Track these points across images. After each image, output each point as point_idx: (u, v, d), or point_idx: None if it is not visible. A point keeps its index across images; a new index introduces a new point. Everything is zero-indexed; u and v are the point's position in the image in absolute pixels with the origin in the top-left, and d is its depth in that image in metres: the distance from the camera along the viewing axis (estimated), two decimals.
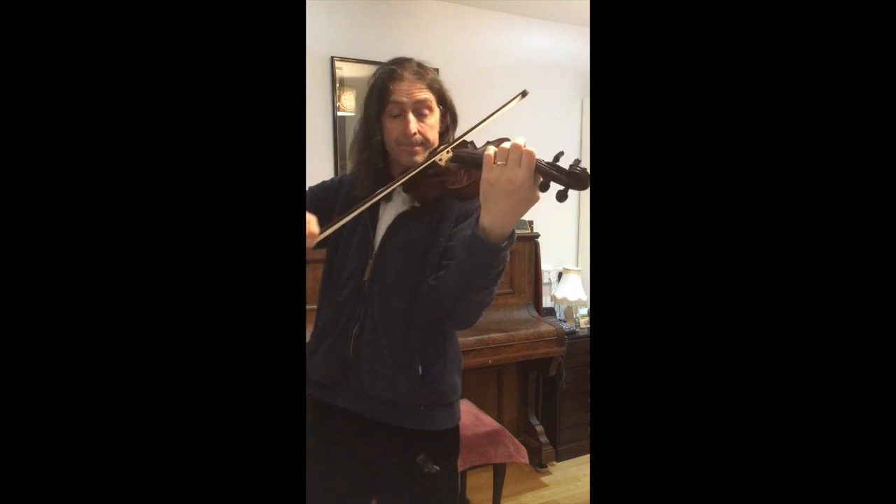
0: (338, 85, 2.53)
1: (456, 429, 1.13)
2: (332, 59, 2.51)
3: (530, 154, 0.78)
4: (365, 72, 2.57)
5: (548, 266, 3.05)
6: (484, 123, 1.04)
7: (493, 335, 2.41)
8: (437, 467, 1.08)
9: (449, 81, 3.06)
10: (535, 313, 2.71)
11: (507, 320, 2.62)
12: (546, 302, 2.97)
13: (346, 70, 2.54)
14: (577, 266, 3.14)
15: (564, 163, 0.80)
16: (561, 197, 0.80)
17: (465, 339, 2.34)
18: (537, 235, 2.77)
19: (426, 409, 1.07)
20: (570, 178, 0.79)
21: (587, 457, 2.76)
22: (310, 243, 0.92)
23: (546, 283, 3.02)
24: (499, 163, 0.80)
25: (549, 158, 0.81)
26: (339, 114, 2.55)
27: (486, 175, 0.80)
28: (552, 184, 0.81)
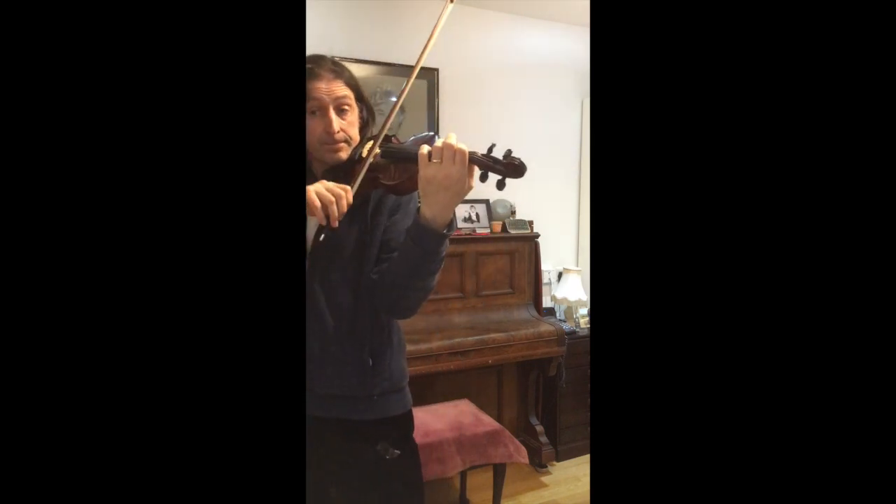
0: None
1: (409, 412, 1.16)
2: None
3: (463, 152, 0.86)
4: (365, 72, 2.57)
5: (548, 266, 3.05)
6: (425, 52, 1.05)
7: (493, 335, 2.41)
8: (398, 451, 1.10)
9: (448, 82, 3.05)
10: (535, 313, 2.71)
11: (507, 320, 2.62)
12: (546, 302, 2.97)
13: None
14: (577, 266, 3.14)
15: (497, 153, 0.87)
16: (500, 185, 0.87)
17: (465, 339, 2.34)
18: (537, 235, 2.77)
19: (379, 398, 1.09)
20: (507, 168, 0.84)
21: (587, 457, 2.76)
22: (350, 199, 0.93)
23: (546, 283, 3.02)
24: (434, 161, 0.87)
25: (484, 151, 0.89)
26: None
27: (424, 172, 0.88)
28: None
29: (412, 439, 1.16)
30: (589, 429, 2.75)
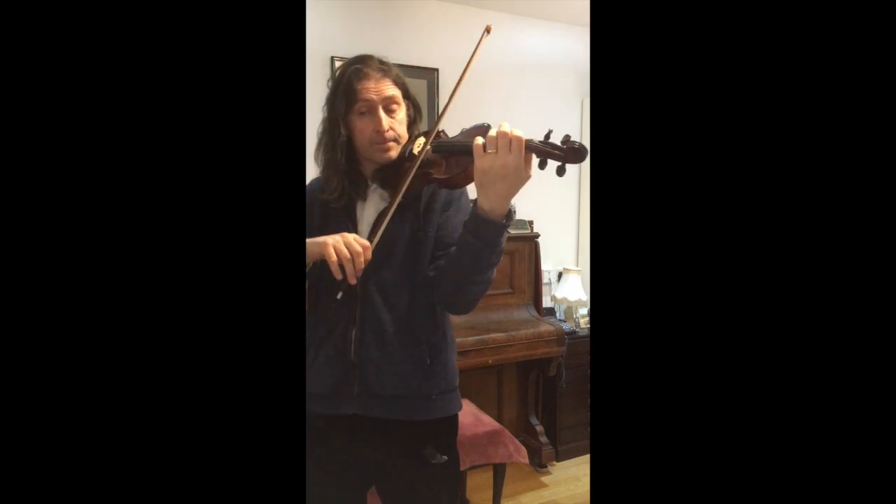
0: None
1: (456, 415, 1.15)
2: (332, 59, 2.52)
3: (519, 139, 0.83)
4: None
5: (548, 266, 3.05)
6: (458, 90, 1.02)
7: (493, 335, 2.41)
8: (446, 457, 1.08)
9: (448, 81, 3.05)
10: (535, 313, 2.71)
11: (507, 320, 2.61)
12: (546, 302, 2.97)
13: None
14: (577, 266, 3.14)
15: (555, 140, 0.85)
16: (560, 171, 0.83)
17: (465, 339, 2.34)
18: (537, 235, 2.77)
19: (437, 397, 1.08)
20: (567, 153, 0.82)
21: (587, 457, 2.76)
22: (367, 256, 0.93)
23: (546, 283, 3.01)
24: (490, 151, 0.84)
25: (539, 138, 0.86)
26: None
27: (479, 164, 0.86)
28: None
29: (456, 445, 1.14)
30: (589, 429, 2.75)
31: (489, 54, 2.88)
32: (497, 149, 0.83)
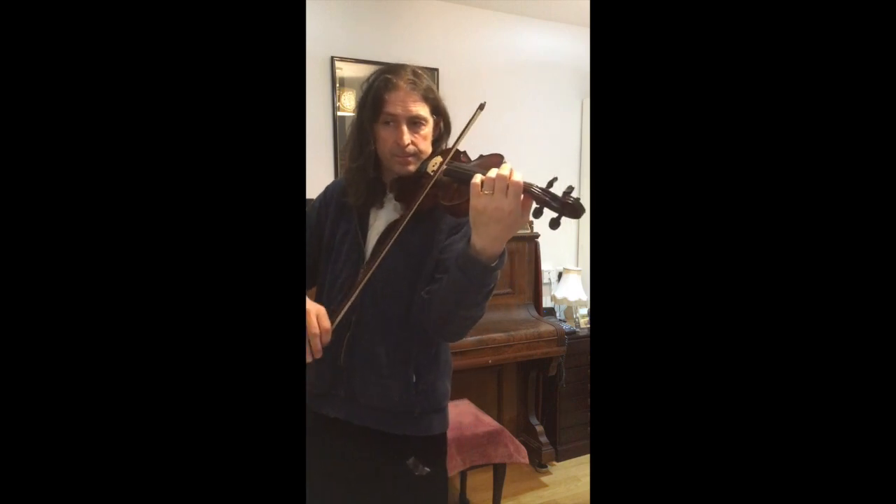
0: (338, 85, 2.53)
1: (444, 434, 1.14)
2: (332, 59, 2.52)
3: (517, 184, 0.80)
4: (365, 72, 2.57)
5: (548, 266, 3.05)
6: (459, 143, 1.04)
7: (493, 335, 2.41)
8: (428, 469, 1.09)
9: (448, 82, 3.04)
10: (535, 313, 2.71)
11: (507, 320, 2.62)
12: (546, 302, 2.97)
13: (346, 70, 2.54)
14: (577, 266, 3.14)
15: (558, 189, 0.81)
16: (554, 224, 0.80)
17: (465, 339, 2.34)
18: (537, 235, 2.77)
19: (419, 415, 1.08)
20: (564, 207, 0.79)
21: (587, 457, 2.76)
22: (325, 339, 0.93)
23: (546, 283, 3.02)
24: (486, 192, 0.81)
25: (542, 183, 0.83)
26: (339, 114, 2.55)
27: (475, 202, 0.83)
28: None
29: (443, 461, 1.14)
30: (589, 429, 2.75)
31: (489, 54, 2.88)
32: (494, 191, 0.80)
